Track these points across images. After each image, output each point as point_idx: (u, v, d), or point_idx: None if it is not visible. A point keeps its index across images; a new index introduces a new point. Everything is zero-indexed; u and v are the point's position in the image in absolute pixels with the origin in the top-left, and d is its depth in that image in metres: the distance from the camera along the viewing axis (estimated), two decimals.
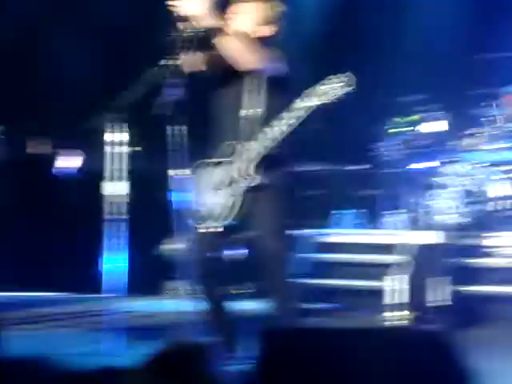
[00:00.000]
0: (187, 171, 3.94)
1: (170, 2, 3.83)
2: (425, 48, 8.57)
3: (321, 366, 2.31)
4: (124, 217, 3.95)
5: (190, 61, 3.94)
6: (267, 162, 3.92)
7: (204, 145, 4.13)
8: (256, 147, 3.88)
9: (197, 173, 4.07)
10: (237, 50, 3.85)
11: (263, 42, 4.05)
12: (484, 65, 8.12)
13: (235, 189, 3.92)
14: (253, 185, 3.91)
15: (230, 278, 4.36)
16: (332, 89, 3.72)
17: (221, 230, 3.97)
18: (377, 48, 8.59)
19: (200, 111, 4.04)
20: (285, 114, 3.82)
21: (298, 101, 3.81)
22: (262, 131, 3.89)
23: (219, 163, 4.00)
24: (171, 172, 3.87)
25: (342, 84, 3.72)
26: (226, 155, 3.98)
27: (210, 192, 4.00)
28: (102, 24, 8.18)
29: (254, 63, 3.86)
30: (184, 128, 3.86)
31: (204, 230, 3.98)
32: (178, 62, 3.87)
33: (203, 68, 4.02)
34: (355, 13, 8.79)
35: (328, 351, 2.36)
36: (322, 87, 3.75)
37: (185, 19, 3.85)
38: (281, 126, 3.84)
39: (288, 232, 4.12)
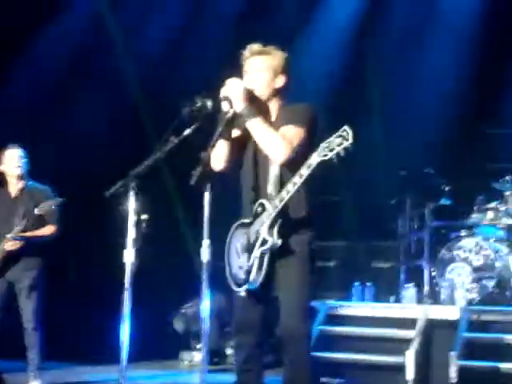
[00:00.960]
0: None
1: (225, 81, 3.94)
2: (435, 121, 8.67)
3: None
4: (130, 284, 3.94)
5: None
6: (288, 229, 3.88)
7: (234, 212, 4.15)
8: (276, 204, 3.87)
9: (233, 235, 4.06)
10: (266, 140, 3.89)
11: (280, 93, 4.07)
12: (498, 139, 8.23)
13: (253, 251, 3.91)
14: (272, 245, 3.87)
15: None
16: (329, 145, 3.68)
17: (251, 294, 3.94)
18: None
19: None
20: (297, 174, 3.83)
21: (312, 155, 3.74)
22: (277, 193, 3.91)
23: (249, 223, 3.99)
24: (205, 241, 3.86)
25: (341, 139, 3.67)
26: (252, 217, 3.99)
27: (240, 254, 3.99)
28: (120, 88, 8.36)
29: (281, 157, 3.87)
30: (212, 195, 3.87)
31: (238, 293, 3.96)
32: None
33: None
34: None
35: None
36: (327, 144, 3.69)
37: (223, 100, 3.93)
38: (289, 187, 3.84)
39: (309, 302, 4.06)
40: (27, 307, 6.01)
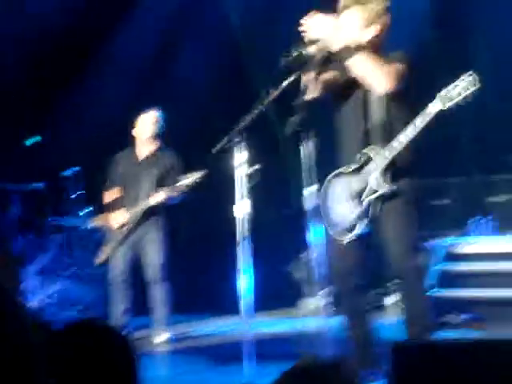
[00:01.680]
0: (317, 186, 3.96)
1: (301, 27, 3.88)
2: None
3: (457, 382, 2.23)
4: (249, 235, 3.99)
5: (311, 83, 3.94)
6: (395, 170, 3.90)
7: (331, 159, 4.13)
8: (386, 155, 3.85)
9: (331, 183, 4.09)
10: (369, 72, 3.83)
11: (374, 43, 3.99)
12: None
13: (362, 199, 3.92)
14: (383, 193, 3.88)
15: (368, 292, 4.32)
16: (457, 91, 3.63)
17: (354, 240, 3.96)
18: None
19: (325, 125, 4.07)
20: (411, 124, 3.77)
21: (429, 104, 3.74)
22: (390, 138, 3.86)
23: (352, 172, 4.00)
24: (306, 189, 3.89)
25: (466, 85, 3.62)
26: (358, 164, 3.98)
27: (343, 202, 4.01)
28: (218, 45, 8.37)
29: (386, 86, 3.82)
30: (314, 143, 3.88)
31: (341, 241, 3.99)
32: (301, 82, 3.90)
33: (321, 91, 4.00)
34: None
35: (465, 366, 2.27)
36: (447, 91, 3.66)
37: (313, 41, 3.88)
38: (407, 133, 3.80)
39: (419, 244, 4.06)
40: (155, 259, 6.12)
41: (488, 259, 6.28)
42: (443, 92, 3.70)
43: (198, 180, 5.88)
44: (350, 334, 4.10)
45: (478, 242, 6.57)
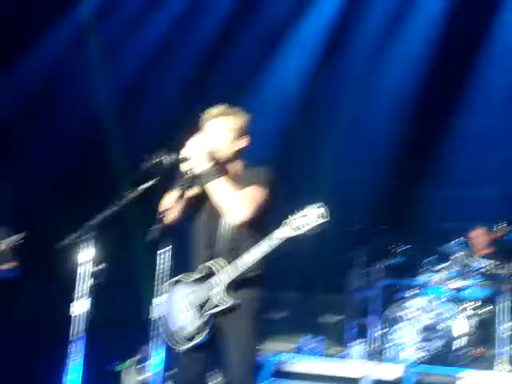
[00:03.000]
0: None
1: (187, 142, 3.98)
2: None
3: None
4: (82, 332, 3.92)
5: (175, 202, 4.02)
6: (238, 284, 3.94)
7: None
8: (229, 272, 3.91)
9: (173, 289, 4.10)
10: (225, 201, 3.93)
11: (241, 153, 4.14)
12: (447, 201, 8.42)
13: (206, 311, 3.93)
14: (224, 308, 3.92)
15: None
16: (306, 222, 3.73)
17: (194, 349, 3.96)
18: None
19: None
20: (257, 245, 3.87)
21: (275, 231, 3.84)
22: (234, 255, 3.94)
23: (193, 282, 4.02)
24: (156, 300, 3.89)
25: (316, 216, 3.73)
26: (200, 275, 4.02)
27: (183, 311, 4.01)
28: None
29: (240, 217, 3.91)
30: (169, 253, 3.92)
31: (177, 349, 3.98)
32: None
33: (184, 209, 4.09)
34: None
35: None
36: (297, 219, 3.76)
37: (185, 159, 3.97)
38: (251, 257, 3.88)
39: (255, 358, 4.08)
40: None
41: (315, 380, 6.41)
42: (289, 220, 3.80)
43: (15, 243, 5.80)
44: None
45: (306, 362, 6.70)
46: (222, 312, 3.93)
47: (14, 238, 5.85)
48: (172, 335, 4.03)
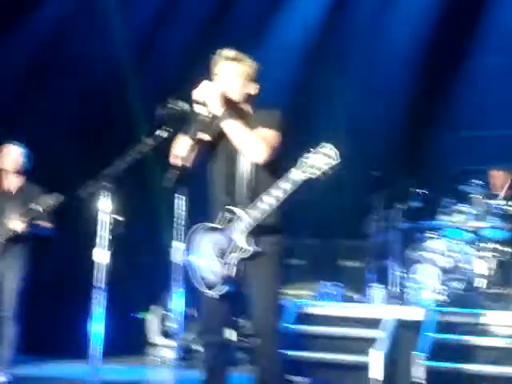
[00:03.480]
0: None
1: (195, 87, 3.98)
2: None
3: None
4: (104, 284, 3.96)
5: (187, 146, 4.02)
6: (258, 231, 3.97)
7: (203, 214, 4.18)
8: (248, 219, 3.93)
9: (197, 238, 4.12)
10: (244, 141, 3.95)
11: (252, 99, 4.16)
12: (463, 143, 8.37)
13: (229, 258, 3.97)
14: (245, 255, 3.96)
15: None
16: (318, 163, 3.72)
17: (221, 296, 4.01)
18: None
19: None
20: (275, 186, 3.88)
21: (291, 170, 3.82)
22: (254, 201, 3.95)
23: (215, 229, 4.06)
24: (175, 242, 3.91)
25: (327, 158, 3.72)
26: (222, 222, 4.04)
27: (210, 259, 4.05)
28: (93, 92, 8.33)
29: (259, 156, 3.94)
30: (186, 198, 3.92)
31: (208, 295, 4.02)
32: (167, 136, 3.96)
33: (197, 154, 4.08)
34: None
35: None
36: (308, 160, 3.75)
37: (198, 102, 3.97)
38: (271, 198, 3.89)
39: (279, 301, 4.13)
40: (12, 286, 6.03)
41: (331, 323, 6.45)
42: (302, 161, 3.78)
43: (53, 205, 5.84)
44: None
45: (327, 306, 6.75)
46: (245, 258, 3.96)
47: (52, 201, 5.86)
48: (201, 281, 4.06)
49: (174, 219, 3.85)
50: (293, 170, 3.82)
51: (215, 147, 4.15)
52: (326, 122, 8.74)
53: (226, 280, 3.99)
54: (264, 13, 9.19)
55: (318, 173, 3.74)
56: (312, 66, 9.07)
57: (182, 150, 4.04)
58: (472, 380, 5.75)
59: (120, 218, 3.98)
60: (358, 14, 9.18)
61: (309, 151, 3.78)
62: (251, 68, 4.16)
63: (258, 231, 3.97)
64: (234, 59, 4.14)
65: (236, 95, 4.11)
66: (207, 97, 3.97)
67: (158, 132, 3.98)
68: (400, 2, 9.22)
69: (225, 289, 4.01)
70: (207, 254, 4.06)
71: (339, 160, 3.73)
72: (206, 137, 4.12)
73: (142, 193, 7.62)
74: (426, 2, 9.08)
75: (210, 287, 4.04)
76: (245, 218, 3.94)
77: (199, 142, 4.08)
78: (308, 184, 3.82)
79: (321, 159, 3.73)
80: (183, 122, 3.99)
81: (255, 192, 3.99)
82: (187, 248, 4.09)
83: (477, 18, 8.87)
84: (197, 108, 3.99)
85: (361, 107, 8.92)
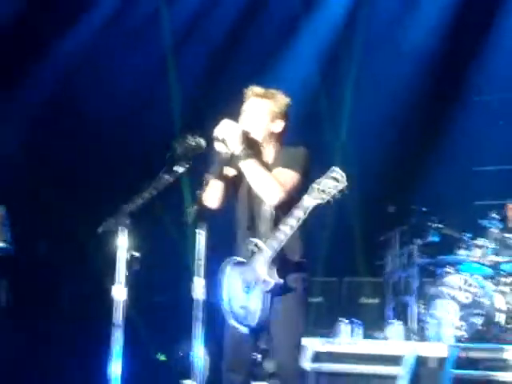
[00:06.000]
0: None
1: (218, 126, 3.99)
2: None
3: None
4: (123, 320, 3.93)
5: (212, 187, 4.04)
6: (285, 268, 3.92)
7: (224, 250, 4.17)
8: (268, 250, 3.90)
9: (228, 272, 4.08)
10: (260, 183, 3.95)
11: (278, 137, 4.14)
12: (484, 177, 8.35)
13: (256, 292, 3.93)
14: (268, 288, 3.92)
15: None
16: (327, 188, 3.72)
17: (249, 331, 3.96)
18: None
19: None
20: (290, 215, 3.83)
21: (304, 197, 3.79)
22: (271, 233, 3.92)
23: (241, 263, 4.03)
24: (197, 279, 3.87)
25: (335, 182, 3.72)
26: (246, 256, 4.01)
27: (239, 293, 4.00)
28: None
29: (274, 198, 3.93)
30: (206, 233, 3.90)
31: (237, 329, 3.98)
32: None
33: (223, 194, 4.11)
34: None
35: None
36: (319, 186, 3.75)
37: (218, 140, 3.97)
38: (286, 227, 3.85)
39: (301, 339, 4.07)
40: None
41: (352, 361, 6.38)
42: (314, 186, 3.76)
43: None
44: None
45: (343, 344, 6.69)
46: (271, 292, 3.91)
47: None
48: (234, 315, 4.02)
49: (195, 256, 3.83)
50: (305, 196, 3.81)
51: (238, 183, 4.15)
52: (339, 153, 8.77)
53: (256, 314, 3.93)
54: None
55: (328, 197, 3.74)
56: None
57: (212, 190, 4.04)
58: None
59: (137, 254, 3.96)
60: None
61: (320, 177, 3.78)
62: (280, 105, 4.12)
63: (284, 267, 3.93)
64: (261, 96, 4.12)
65: (257, 133, 4.09)
66: (227, 135, 3.96)
67: (174, 168, 3.99)
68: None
69: (256, 323, 3.93)
70: (239, 288, 4.01)
71: (347, 183, 3.73)
72: (231, 171, 4.12)
73: (160, 229, 7.61)
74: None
75: (241, 322, 3.99)
76: (265, 249, 3.92)
77: (223, 179, 4.08)
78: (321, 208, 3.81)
79: (330, 183, 3.74)
80: (199, 158, 3.99)
81: (276, 226, 3.97)
82: (220, 283, 4.06)
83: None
84: (217, 146, 3.99)
85: (373, 137, 8.90)
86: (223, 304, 4.05)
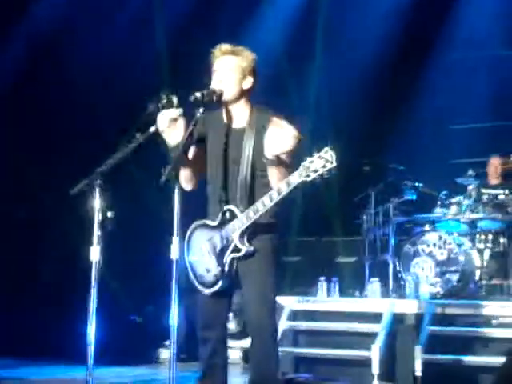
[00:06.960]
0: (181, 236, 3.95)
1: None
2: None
3: None
4: (96, 281, 3.91)
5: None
6: (253, 230, 3.93)
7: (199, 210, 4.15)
8: (244, 218, 3.91)
9: (194, 235, 4.08)
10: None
11: (248, 94, 4.08)
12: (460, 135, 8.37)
13: (224, 257, 3.95)
14: (239, 255, 3.94)
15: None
16: (316, 167, 3.69)
17: (217, 293, 3.98)
18: None
19: None
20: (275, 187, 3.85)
21: (289, 177, 3.77)
22: (252, 201, 3.90)
23: (211, 227, 4.03)
24: (173, 238, 3.86)
25: (325, 161, 3.69)
26: (218, 220, 4.01)
27: (205, 257, 4.02)
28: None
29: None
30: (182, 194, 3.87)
31: (204, 292, 4.00)
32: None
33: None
34: None
35: None
36: (309, 164, 3.71)
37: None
38: (266, 199, 3.86)
39: (273, 297, 4.10)
40: None
41: (330, 319, 6.45)
42: (301, 166, 3.75)
43: None
44: None
45: (321, 302, 6.74)
46: (240, 257, 3.94)
47: None
48: (197, 278, 4.04)
49: (173, 214, 3.80)
50: (290, 177, 3.79)
51: (208, 153, 4.11)
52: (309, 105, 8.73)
53: (220, 278, 3.97)
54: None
55: (315, 175, 3.72)
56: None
57: (185, 172, 4.03)
58: (470, 371, 5.75)
59: (110, 215, 3.93)
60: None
61: (311, 155, 3.76)
62: (249, 61, 4.08)
63: (253, 230, 3.94)
64: (230, 53, 4.06)
65: (230, 91, 4.03)
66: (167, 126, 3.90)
67: (149, 128, 3.94)
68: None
69: (219, 287, 3.98)
70: (202, 252, 4.04)
71: (336, 163, 3.71)
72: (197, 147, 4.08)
73: (133, 190, 7.56)
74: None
75: (205, 285, 4.02)
76: (241, 217, 3.91)
77: (191, 163, 4.06)
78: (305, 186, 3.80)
79: (319, 162, 3.72)
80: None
81: (252, 192, 3.96)
82: (185, 245, 4.06)
83: None
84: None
85: (347, 97, 8.85)
86: (187, 265, 4.06)
